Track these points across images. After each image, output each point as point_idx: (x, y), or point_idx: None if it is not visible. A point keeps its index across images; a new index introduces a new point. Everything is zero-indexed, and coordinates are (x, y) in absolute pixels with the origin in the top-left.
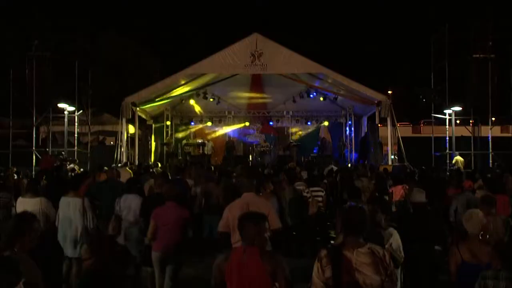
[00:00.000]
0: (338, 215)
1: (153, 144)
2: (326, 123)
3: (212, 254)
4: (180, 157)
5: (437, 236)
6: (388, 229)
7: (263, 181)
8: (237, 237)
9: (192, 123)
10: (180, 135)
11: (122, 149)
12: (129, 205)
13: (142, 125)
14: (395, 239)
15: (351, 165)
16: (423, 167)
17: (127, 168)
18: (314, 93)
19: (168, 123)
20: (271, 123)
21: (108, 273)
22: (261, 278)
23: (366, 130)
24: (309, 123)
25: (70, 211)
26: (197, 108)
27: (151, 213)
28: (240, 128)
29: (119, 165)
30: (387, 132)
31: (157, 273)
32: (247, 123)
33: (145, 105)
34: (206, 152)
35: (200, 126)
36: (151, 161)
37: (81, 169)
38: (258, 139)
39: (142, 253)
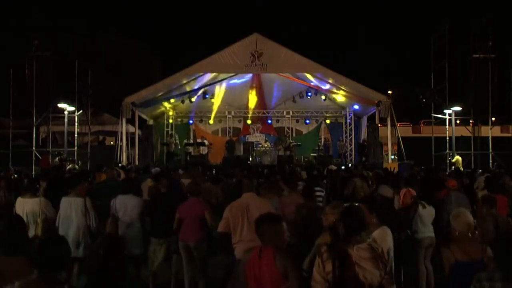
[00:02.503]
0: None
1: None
2: (326, 123)
3: (212, 254)
4: (179, 157)
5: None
6: (378, 228)
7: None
8: (237, 237)
9: (192, 123)
10: (180, 135)
11: (122, 149)
12: (125, 206)
13: (142, 125)
14: (384, 241)
15: (351, 164)
16: (428, 168)
17: (116, 168)
18: (314, 93)
19: (171, 121)
20: (269, 121)
21: (109, 273)
22: (273, 277)
23: (363, 137)
24: (308, 122)
25: (72, 211)
26: (198, 108)
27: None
28: (240, 128)
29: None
30: (387, 132)
31: (184, 260)
32: (249, 121)
33: (145, 105)
34: (202, 152)
35: (200, 126)
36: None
37: (80, 169)
38: (258, 139)
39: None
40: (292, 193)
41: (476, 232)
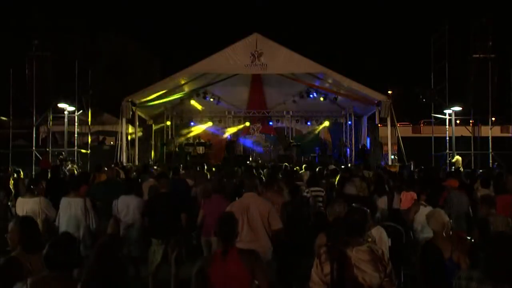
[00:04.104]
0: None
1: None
2: (326, 123)
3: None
4: (179, 157)
5: None
6: (374, 228)
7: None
8: (238, 237)
9: (192, 123)
10: (180, 135)
11: (122, 149)
12: (127, 206)
13: (142, 125)
14: (380, 241)
15: (351, 164)
16: (427, 167)
17: (116, 168)
18: (314, 93)
19: (168, 123)
20: (270, 123)
21: (108, 273)
22: (241, 276)
23: (363, 140)
24: (309, 123)
25: (72, 211)
26: (197, 108)
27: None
28: (240, 129)
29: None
30: (387, 132)
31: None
32: (247, 123)
33: (145, 104)
34: (200, 152)
35: (200, 126)
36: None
37: (80, 169)
38: (258, 139)
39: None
40: (267, 192)
41: (451, 232)
